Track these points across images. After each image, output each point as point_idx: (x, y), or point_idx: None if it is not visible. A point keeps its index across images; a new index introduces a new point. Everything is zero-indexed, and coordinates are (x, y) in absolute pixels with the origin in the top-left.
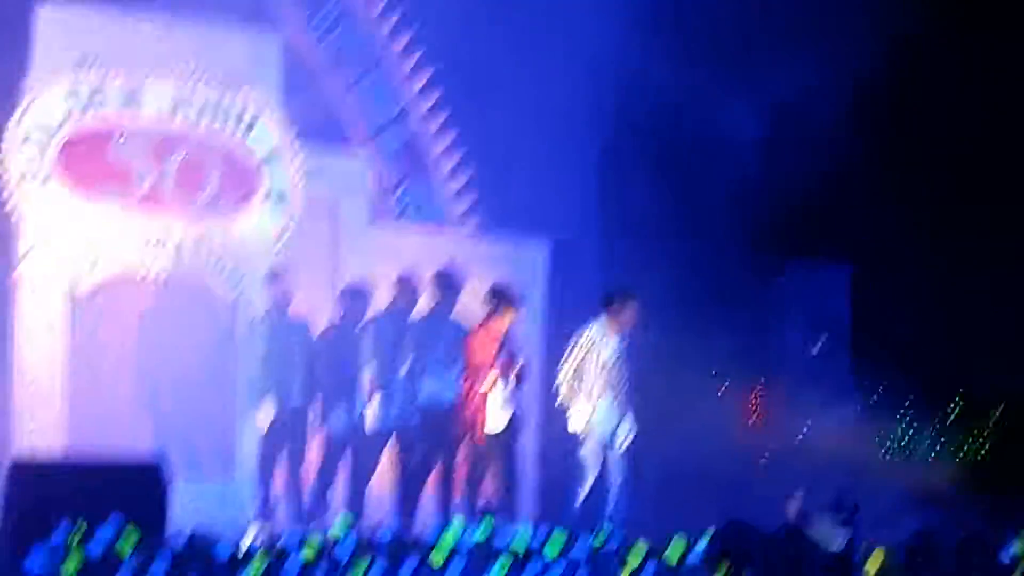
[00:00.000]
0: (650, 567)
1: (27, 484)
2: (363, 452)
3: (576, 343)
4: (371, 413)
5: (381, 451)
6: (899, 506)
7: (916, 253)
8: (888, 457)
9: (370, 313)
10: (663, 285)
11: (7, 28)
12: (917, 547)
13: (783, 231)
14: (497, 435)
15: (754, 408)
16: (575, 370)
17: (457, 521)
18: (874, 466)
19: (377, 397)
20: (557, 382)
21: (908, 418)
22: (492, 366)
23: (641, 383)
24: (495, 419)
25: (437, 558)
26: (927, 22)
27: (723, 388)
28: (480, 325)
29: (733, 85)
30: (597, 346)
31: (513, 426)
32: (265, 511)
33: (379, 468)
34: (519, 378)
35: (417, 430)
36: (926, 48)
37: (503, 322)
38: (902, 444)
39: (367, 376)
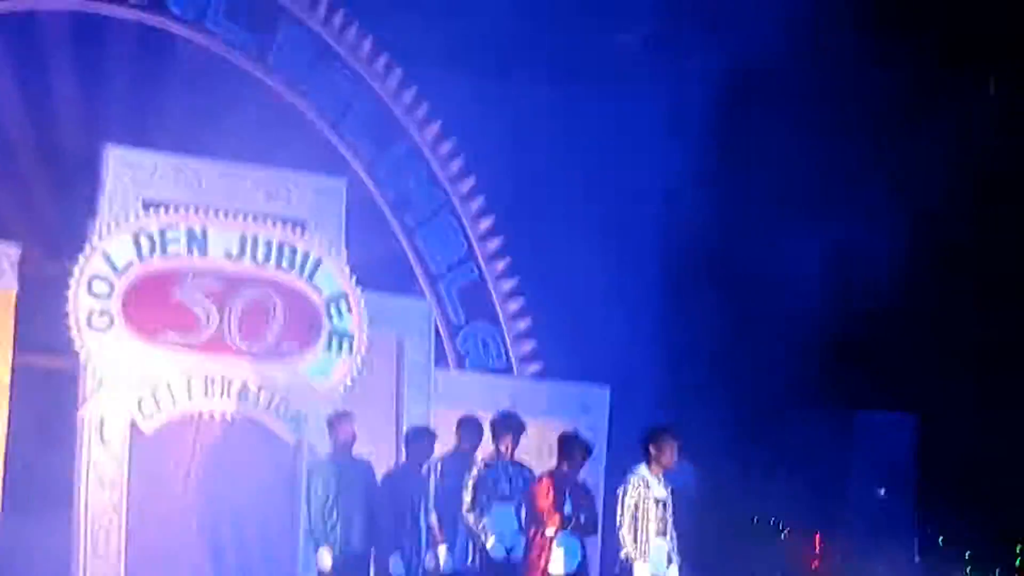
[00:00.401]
0: None
1: None
2: None
3: (627, 486)
4: (432, 558)
5: None
6: None
7: (982, 401)
8: None
9: (433, 456)
10: (725, 430)
11: (75, 170)
12: None
13: (848, 378)
14: None
15: (816, 556)
16: (630, 514)
17: None
18: None
19: (439, 541)
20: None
21: (972, 567)
22: (557, 512)
23: (697, 528)
24: (558, 566)
25: None
26: (1005, 159)
27: (784, 535)
28: (549, 471)
29: (798, 230)
30: (646, 489)
31: (578, 573)
32: None
33: None
34: (584, 525)
35: (483, 572)
36: (999, 190)
37: (572, 468)
38: None
39: (430, 520)
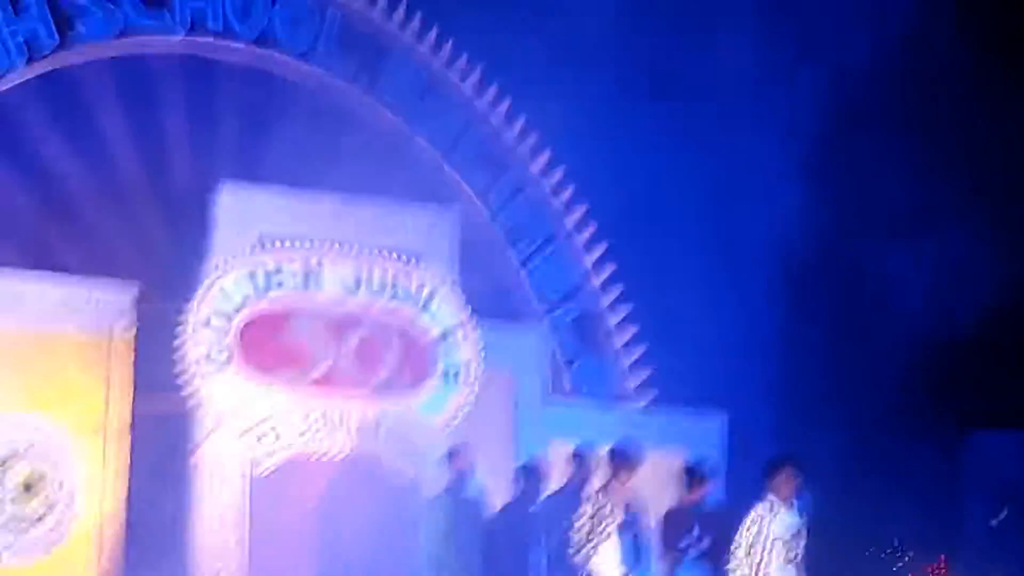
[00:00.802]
0: None
1: None
2: None
3: (748, 518)
4: None
5: None
6: None
7: None
8: None
9: (547, 489)
10: (841, 454)
11: (189, 209)
12: None
13: (964, 399)
14: None
15: None
16: (748, 545)
17: None
18: None
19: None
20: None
21: None
22: (678, 543)
23: (816, 556)
24: None
25: None
26: None
27: (907, 559)
28: (673, 504)
29: (909, 252)
30: (767, 520)
31: None
32: None
33: None
34: (711, 552)
35: None
36: None
37: (694, 497)
38: None
39: (544, 555)
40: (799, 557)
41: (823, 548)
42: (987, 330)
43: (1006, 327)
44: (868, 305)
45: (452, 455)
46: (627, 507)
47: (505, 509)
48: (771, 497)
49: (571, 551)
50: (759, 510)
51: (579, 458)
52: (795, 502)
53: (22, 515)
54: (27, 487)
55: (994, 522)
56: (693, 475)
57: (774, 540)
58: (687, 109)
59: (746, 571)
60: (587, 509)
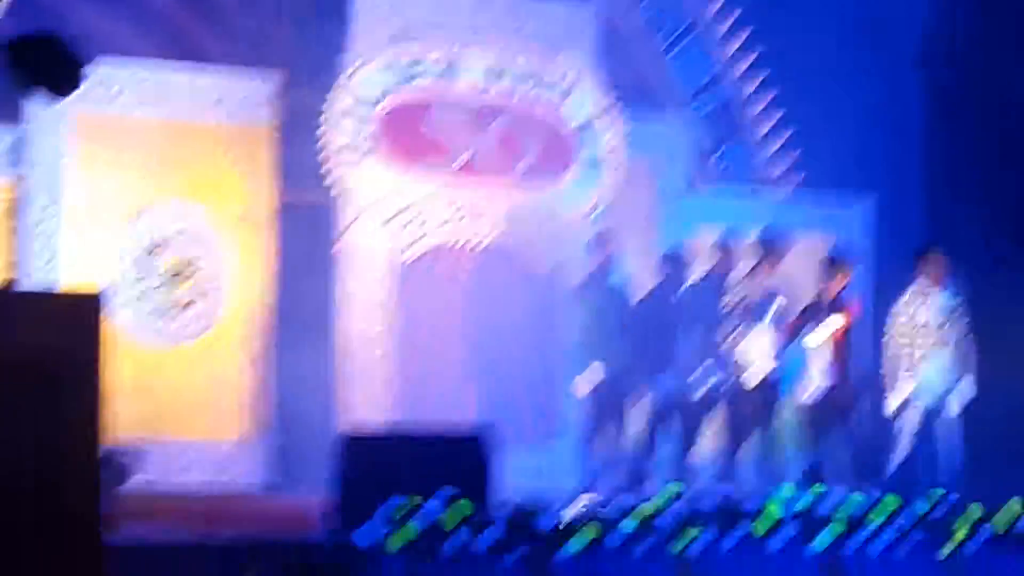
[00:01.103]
0: (984, 533)
1: (354, 457)
2: (687, 418)
3: (900, 302)
4: (694, 379)
5: (705, 417)
6: None
7: None
8: None
9: (691, 278)
10: (995, 236)
11: (328, 2)
12: None
13: None
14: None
15: None
16: (900, 332)
17: (784, 488)
18: None
19: (701, 363)
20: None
21: None
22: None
23: (971, 340)
24: (813, 383)
25: (763, 526)
26: None
27: None
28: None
29: None
30: (919, 303)
31: (834, 393)
32: (590, 479)
33: (703, 435)
34: (842, 345)
35: (741, 395)
36: None
37: (836, 286)
38: None
39: (689, 342)
40: (957, 339)
41: (980, 328)
42: None
43: None
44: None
45: (597, 243)
46: (774, 295)
47: (650, 296)
48: (922, 281)
49: (718, 339)
50: (910, 294)
51: (724, 246)
52: (947, 284)
53: (172, 300)
54: (176, 273)
55: None
56: (834, 264)
57: (926, 324)
58: None
59: (900, 354)
60: (733, 297)
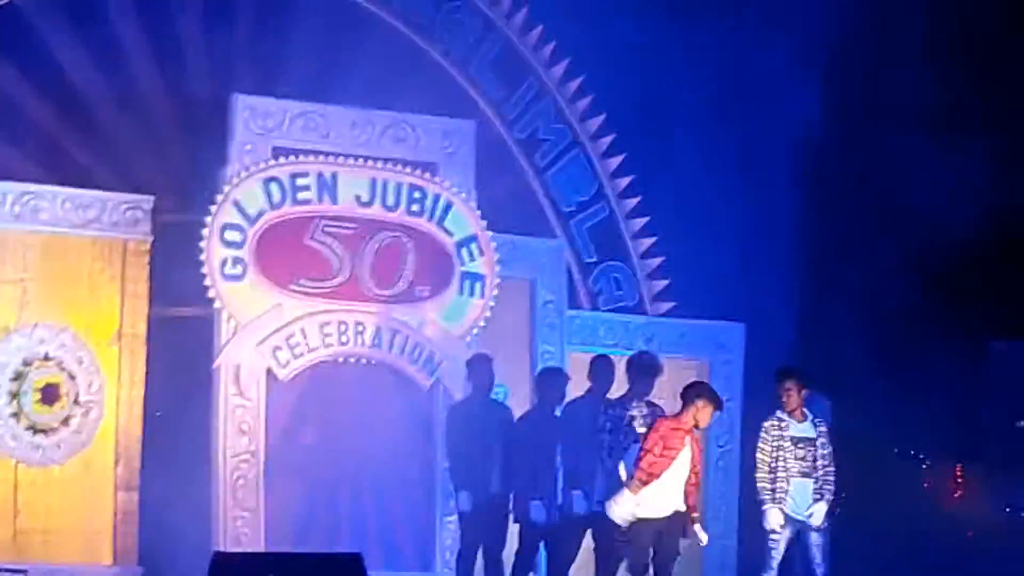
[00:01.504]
0: None
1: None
2: (562, 541)
3: (762, 430)
4: (569, 502)
5: (580, 540)
6: None
7: None
8: None
9: (566, 398)
10: (862, 364)
11: (205, 120)
12: None
13: (985, 307)
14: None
15: (958, 487)
16: (764, 458)
17: None
18: None
19: (575, 485)
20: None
21: None
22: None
23: (836, 464)
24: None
25: None
26: None
27: (926, 467)
28: (673, 417)
29: (933, 161)
30: (781, 430)
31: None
32: None
33: (578, 558)
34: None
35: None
36: None
37: (696, 417)
38: None
39: (566, 463)
40: (817, 467)
41: (844, 456)
42: (1009, 235)
43: None
44: (890, 210)
45: (474, 362)
46: (645, 416)
47: (525, 418)
48: (779, 410)
49: (591, 461)
50: (768, 422)
51: (598, 367)
52: (805, 413)
53: (44, 420)
54: (48, 393)
55: (1019, 423)
56: (697, 394)
57: (786, 452)
58: (705, 17)
59: (766, 482)
60: (607, 419)
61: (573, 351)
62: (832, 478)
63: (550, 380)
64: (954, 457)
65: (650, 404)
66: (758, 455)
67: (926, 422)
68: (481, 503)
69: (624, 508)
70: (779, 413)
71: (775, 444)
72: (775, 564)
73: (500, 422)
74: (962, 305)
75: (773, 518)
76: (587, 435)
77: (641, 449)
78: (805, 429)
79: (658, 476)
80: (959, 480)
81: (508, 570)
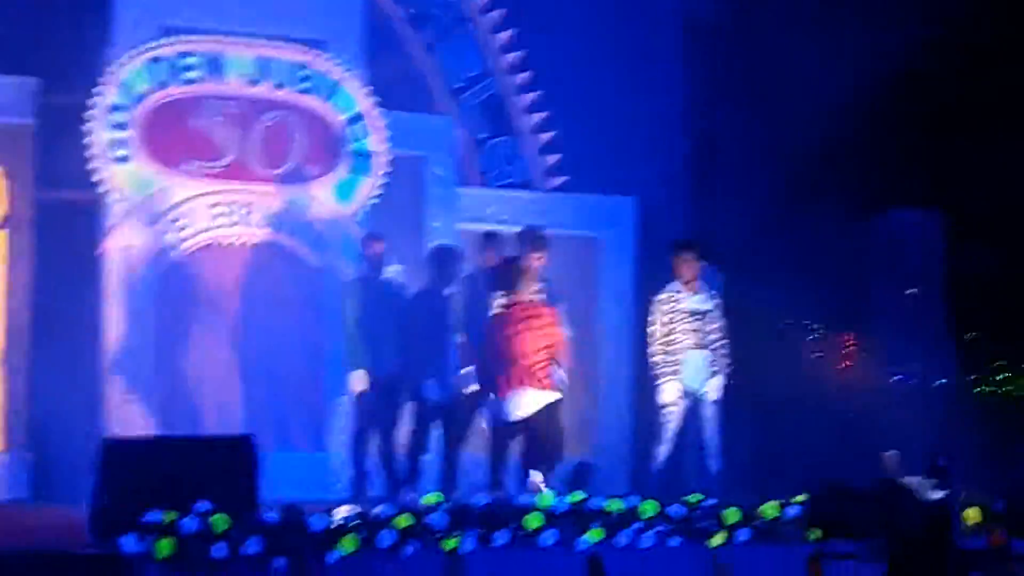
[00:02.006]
0: (746, 529)
1: (116, 466)
2: (456, 418)
3: (653, 303)
4: (463, 378)
5: (472, 418)
6: (996, 454)
7: (1009, 197)
8: (983, 404)
9: (460, 273)
10: (752, 235)
11: (87, 2)
12: (1017, 496)
13: (874, 179)
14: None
15: (847, 356)
16: (658, 331)
17: (543, 496)
18: (969, 415)
19: (469, 363)
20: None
21: (1008, 360)
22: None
23: (728, 336)
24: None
25: (531, 523)
26: None
27: (815, 336)
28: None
29: (819, 32)
30: (675, 303)
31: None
32: (359, 481)
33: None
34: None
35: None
36: None
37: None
38: (997, 388)
39: (459, 340)
40: (711, 339)
41: (735, 327)
42: (898, 108)
43: (916, 101)
44: (779, 86)
45: (367, 241)
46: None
47: (418, 295)
48: (674, 282)
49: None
50: (663, 294)
51: (489, 241)
52: (699, 285)
53: None
54: None
55: (910, 292)
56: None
57: (678, 325)
58: None
59: (660, 354)
60: (500, 292)
61: (464, 227)
62: (725, 351)
63: (442, 258)
64: (844, 327)
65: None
66: (651, 328)
67: (816, 292)
68: (375, 382)
69: None
70: (673, 285)
71: (669, 316)
72: (669, 437)
73: (393, 300)
74: (850, 175)
75: (669, 392)
76: (480, 311)
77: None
78: (699, 301)
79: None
80: (849, 349)
81: (403, 449)
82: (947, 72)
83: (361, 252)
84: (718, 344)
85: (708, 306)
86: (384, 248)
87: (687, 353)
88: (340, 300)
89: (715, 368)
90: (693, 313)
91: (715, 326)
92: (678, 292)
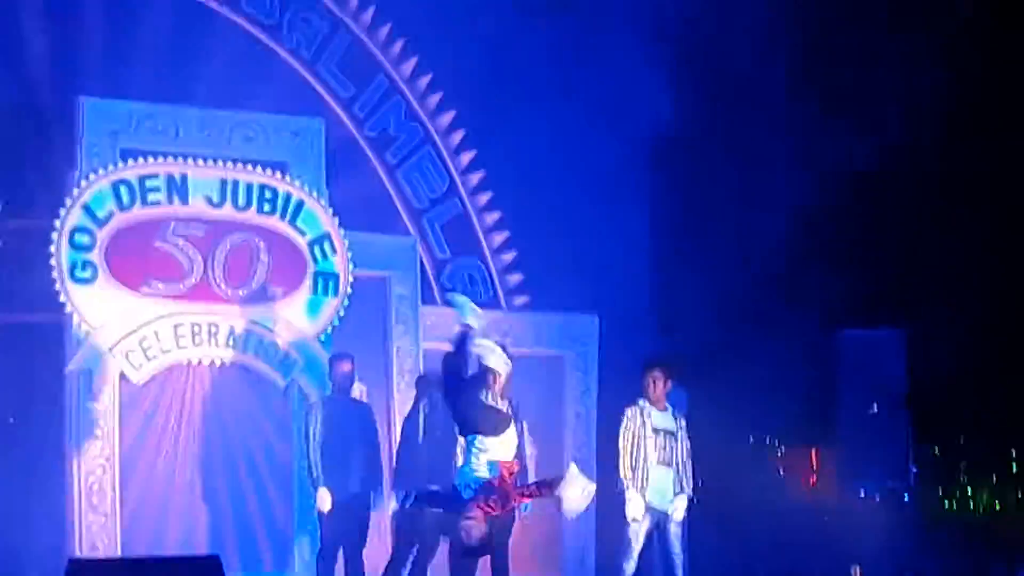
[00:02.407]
0: None
1: None
2: (425, 537)
3: (623, 418)
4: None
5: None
6: (963, 564)
7: (971, 313)
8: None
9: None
10: (716, 355)
11: (51, 123)
12: None
13: (837, 297)
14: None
15: (813, 473)
16: (625, 445)
17: None
18: (935, 527)
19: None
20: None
21: (968, 476)
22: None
23: (694, 451)
24: None
25: None
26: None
27: (780, 453)
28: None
29: (783, 149)
30: (644, 419)
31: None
32: None
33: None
34: None
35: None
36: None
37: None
38: (963, 503)
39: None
40: (676, 458)
41: (699, 445)
42: (860, 226)
43: (880, 223)
44: (742, 206)
45: (336, 361)
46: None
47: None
48: (642, 399)
49: (450, 454)
50: (632, 408)
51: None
52: (667, 405)
53: None
54: None
55: (872, 409)
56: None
57: (646, 441)
58: (555, 13)
59: (627, 471)
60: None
61: (429, 347)
62: (691, 472)
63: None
64: (808, 443)
65: (505, 399)
66: (620, 442)
67: (780, 410)
68: (341, 501)
69: None
70: (641, 401)
71: (638, 432)
72: (635, 554)
73: (361, 421)
74: (813, 296)
75: (635, 506)
76: (446, 430)
77: None
78: (666, 420)
79: None
80: (814, 466)
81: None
82: (912, 178)
83: (329, 372)
84: (685, 465)
85: (674, 427)
86: (352, 368)
87: (655, 469)
88: (304, 419)
89: (680, 487)
90: (659, 431)
91: (683, 447)
92: (645, 409)
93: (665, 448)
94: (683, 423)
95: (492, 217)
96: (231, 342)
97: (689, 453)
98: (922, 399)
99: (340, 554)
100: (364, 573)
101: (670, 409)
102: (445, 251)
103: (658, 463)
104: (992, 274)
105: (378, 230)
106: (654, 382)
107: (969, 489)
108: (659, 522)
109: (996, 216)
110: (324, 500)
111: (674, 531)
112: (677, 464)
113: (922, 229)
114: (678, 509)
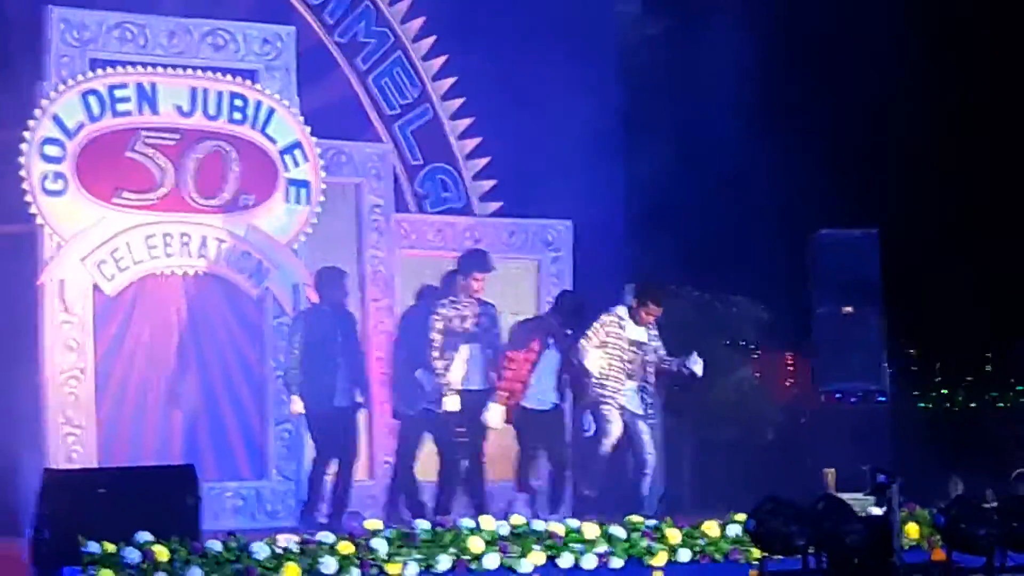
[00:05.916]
0: (687, 548)
1: (60, 494)
2: (404, 442)
3: (599, 322)
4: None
5: (419, 443)
6: (937, 467)
7: (944, 213)
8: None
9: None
10: (689, 259)
11: (20, 34)
12: (957, 510)
13: (810, 200)
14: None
15: (788, 375)
16: (596, 347)
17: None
18: (908, 428)
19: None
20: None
21: (942, 377)
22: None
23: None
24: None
25: (474, 547)
26: None
27: (756, 357)
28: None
29: (758, 53)
30: (620, 329)
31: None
32: (305, 507)
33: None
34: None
35: (453, 417)
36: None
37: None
38: (939, 403)
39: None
40: (647, 375)
41: (676, 349)
42: (835, 127)
43: (856, 123)
44: (715, 106)
45: (333, 275)
46: (478, 314)
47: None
48: (626, 309)
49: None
50: (608, 318)
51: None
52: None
53: None
54: None
55: (844, 310)
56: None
57: (618, 350)
58: None
59: (595, 373)
60: (439, 316)
61: (403, 253)
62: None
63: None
64: (784, 346)
65: (482, 303)
66: (590, 343)
67: (756, 315)
68: (328, 411)
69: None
70: (620, 310)
71: (609, 339)
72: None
73: (347, 330)
74: (787, 195)
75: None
76: (421, 335)
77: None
78: (640, 333)
79: None
80: (789, 368)
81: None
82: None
83: (318, 283)
84: (649, 378)
85: (645, 338)
86: (344, 283)
87: (624, 381)
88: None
89: (653, 399)
90: (634, 342)
91: (650, 358)
92: (622, 319)
93: (632, 361)
94: (655, 333)
95: (464, 123)
96: (204, 252)
97: (656, 368)
98: (897, 300)
99: (333, 461)
100: (353, 486)
101: (649, 327)
102: (418, 157)
103: (626, 376)
104: (966, 173)
105: (350, 137)
106: (644, 310)
107: (945, 390)
108: (627, 423)
109: (969, 110)
110: (296, 405)
111: (643, 429)
112: (641, 378)
113: (893, 126)
114: (698, 363)
